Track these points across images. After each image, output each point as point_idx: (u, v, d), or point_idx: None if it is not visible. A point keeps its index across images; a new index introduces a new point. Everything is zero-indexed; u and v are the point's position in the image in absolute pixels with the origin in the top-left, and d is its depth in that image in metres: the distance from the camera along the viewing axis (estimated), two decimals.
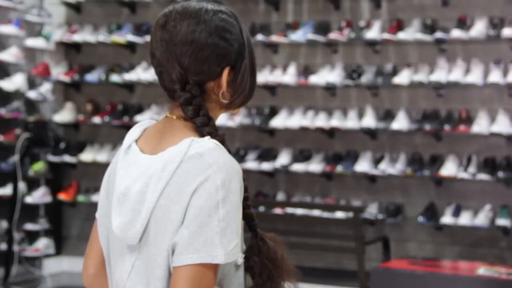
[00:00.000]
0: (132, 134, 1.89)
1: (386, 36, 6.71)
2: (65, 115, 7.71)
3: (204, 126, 1.81)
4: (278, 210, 6.88)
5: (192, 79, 1.81)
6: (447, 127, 6.54)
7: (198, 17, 1.81)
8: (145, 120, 1.95)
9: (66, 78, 7.69)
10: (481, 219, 6.45)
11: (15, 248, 6.96)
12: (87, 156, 7.58)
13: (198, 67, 1.81)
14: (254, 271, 1.84)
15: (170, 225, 1.73)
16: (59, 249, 7.77)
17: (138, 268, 1.80)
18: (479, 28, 6.47)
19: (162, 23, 1.83)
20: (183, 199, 1.72)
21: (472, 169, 6.47)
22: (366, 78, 6.81)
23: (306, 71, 7.04)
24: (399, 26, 6.80)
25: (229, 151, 1.82)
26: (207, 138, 1.79)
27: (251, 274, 1.84)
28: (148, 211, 1.76)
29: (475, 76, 6.46)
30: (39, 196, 7.40)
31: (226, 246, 1.70)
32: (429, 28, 6.65)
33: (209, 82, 1.83)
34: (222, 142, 1.81)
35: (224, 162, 1.73)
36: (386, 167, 6.72)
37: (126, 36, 7.47)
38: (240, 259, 1.77)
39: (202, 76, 1.82)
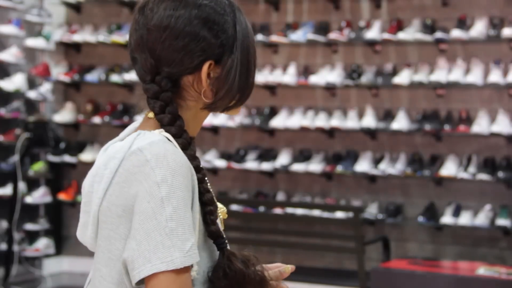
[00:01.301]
0: (120, 134, 1.73)
1: (386, 36, 6.71)
2: (65, 115, 7.71)
3: (169, 126, 1.59)
4: (278, 210, 6.88)
5: (164, 70, 1.60)
6: (447, 127, 6.54)
7: (179, 1, 1.59)
8: (137, 121, 1.75)
9: (66, 78, 7.69)
10: (481, 219, 6.45)
11: (15, 248, 6.96)
12: (87, 156, 7.58)
13: (170, 56, 1.59)
14: None
15: (114, 231, 1.54)
16: (59, 249, 7.77)
17: (93, 278, 1.63)
18: (479, 28, 6.46)
19: (142, 5, 1.63)
20: (125, 202, 1.52)
21: (472, 169, 6.47)
22: (366, 78, 6.81)
23: (306, 71, 7.04)
24: (399, 26, 6.80)
25: (193, 157, 1.59)
26: (158, 130, 1.59)
27: None
28: (95, 213, 1.58)
29: (475, 76, 6.46)
30: (39, 196, 7.40)
31: (181, 247, 1.47)
32: (429, 28, 6.65)
33: (186, 76, 1.61)
34: (185, 146, 1.59)
35: (164, 156, 1.50)
36: (386, 167, 6.72)
37: (126, 36, 7.46)
38: (194, 272, 1.53)
39: (175, 68, 1.59)
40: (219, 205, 1.69)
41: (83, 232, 1.66)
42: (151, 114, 1.65)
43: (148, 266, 1.46)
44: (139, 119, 1.71)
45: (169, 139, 1.57)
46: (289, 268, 1.73)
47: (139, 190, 1.50)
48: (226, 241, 1.64)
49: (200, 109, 1.65)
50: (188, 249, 1.47)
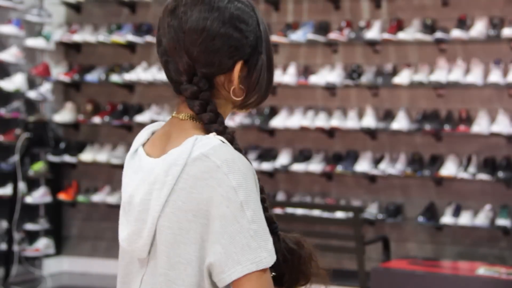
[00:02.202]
0: (139, 139, 1.74)
1: (386, 36, 6.71)
2: (65, 115, 7.71)
3: (211, 123, 1.64)
4: (278, 210, 6.88)
5: (201, 71, 1.65)
6: (447, 127, 6.54)
7: (211, 4, 1.64)
8: (154, 123, 1.79)
9: (66, 78, 7.69)
10: (481, 219, 6.45)
11: (15, 248, 6.96)
12: (87, 156, 7.58)
13: (208, 58, 1.64)
14: (280, 279, 1.70)
15: (183, 236, 1.58)
16: (59, 249, 7.77)
17: (146, 284, 1.65)
18: (479, 28, 6.46)
19: (172, 8, 1.66)
20: (196, 207, 1.57)
21: (472, 169, 6.47)
22: (366, 78, 6.81)
23: (306, 71, 7.04)
24: (399, 26, 6.80)
25: (240, 150, 1.65)
26: (212, 134, 1.62)
27: (274, 282, 1.66)
28: (154, 220, 1.60)
29: (475, 76, 6.46)
30: (39, 196, 7.39)
31: (265, 247, 1.55)
32: (429, 28, 6.65)
33: (218, 76, 1.67)
34: (231, 140, 1.65)
35: (233, 160, 1.57)
36: (386, 167, 6.72)
37: (126, 36, 7.47)
38: None
39: (212, 68, 1.65)
40: None
41: (134, 240, 1.65)
42: (182, 116, 1.68)
43: (238, 268, 1.53)
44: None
45: (223, 142, 1.62)
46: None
47: (213, 195, 1.55)
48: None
49: (232, 107, 1.73)
50: (271, 248, 1.56)
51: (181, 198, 1.58)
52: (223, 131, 1.64)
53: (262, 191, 1.66)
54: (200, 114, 1.65)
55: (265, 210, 1.66)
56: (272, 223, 1.68)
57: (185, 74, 1.66)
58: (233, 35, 1.65)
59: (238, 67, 1.66)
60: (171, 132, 1.69)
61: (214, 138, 1.61)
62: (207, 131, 1.65)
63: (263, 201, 1.65)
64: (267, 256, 1.55)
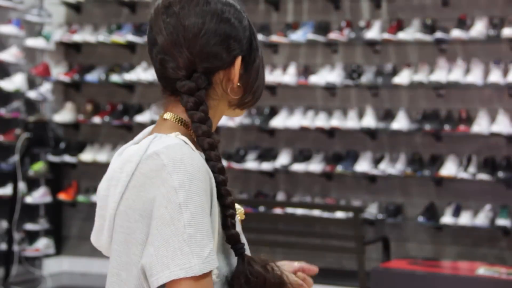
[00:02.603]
0: (134, 140, 1.70)
1: (386, 36, 6.71)
2: (65, 115, 7.71)
3: (200, 123, 1.60)
4: (278, 210, 6.88)
5: (201, 67, 1.62)
6: (447, 127, 6.54)
7: (207, 0, 1.64)
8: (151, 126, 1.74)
9: (66, 78, 7.69)
10: (481, 219, 6.45)
11: (15, 248, 6.96)
12: (87, 156, 7.58)
13: (210, 51, 1.62)
14: None
15: (131, 235, 1.54)
16: (59, 249, 7.77)
17: (111, 282, 1.61)
18: (479, 28, 6.46)
19: (165, 5, 1.64)
20: (142, 207, 1.52)
21: (472, 169, 6.47)
22: (366, 78, 6.81)
23: (306, 71, 7.04)
24: (399, 26, 6.80)
25: (219, 158, 1.60)
26: (174, 134, 1.58)
27: None
28: (111, 217, 1.58)
29: (475, 76, 6.46)
30: (39, 196, 7.40)
31: (199, 253, 1.46)
32: (429, 28, 6.65)
33: (218, 72, 1.64)
34: (212, 147, 1.60)
35: (181, 160, 1.50)
36: (386, 167, 6.72)
37: (126, 36, 7.47)
38: (214, 276, 1.53)
39: (214, 62, 1.63)
40: (236, 205, 1.68)
41: (98, 237, 1.66)
42: (167, 115, 1.65)
43: (166, 272, 1.46)
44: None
45: (185, 142, 1.56)
46: (313, 270, 1.81)
47: (157, 195, 1.50)
48: (246, 245, 1.64)
49: (228, 107, 1.69)
50: (207, 255, 1.47)
51: (132, 196, 1.54)
52: (209, 133, 1.61)
53: (230, 206, 1.59)
54: (191, 111, 1.61)
55: (232, 227, 1.59)
56: (237, 242, 1.59)
57: (184, 70, 1.63)
58: (232, 29, 1.64)
59: (238, 61, 1.65)
60: (153, 132, 1.65)
61: (174, 137, 1.57)
62: (188, 133, 1.62)
63: (231, 216, 1.59)
64: (199, 263, 1.46)
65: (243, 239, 1.67)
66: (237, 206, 1.68)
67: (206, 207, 1.51)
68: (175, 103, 1.65)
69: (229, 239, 1.59)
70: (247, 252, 1.66)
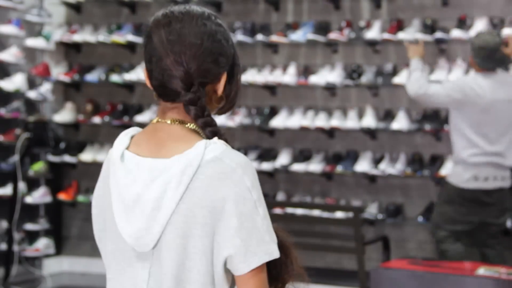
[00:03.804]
0: (121, 143, 1.87)
1: (386, 36, 6.71)
2: (65, 115, 7.71)
3: (208, 127, 1.84)
4: (278, 210, 6.88)
5: (198, 81, 1.84)
6: (447, 127, 6.54)
7: (203, 20, 1.85)
8: (130, 129, 1.93)
9: (66, 78, 7.69)
10: None
11: (15, 248, 6.96)
12: (87, 156, 7.58)
13: (205, 69, 1.84)
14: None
15: (198, 229, 1.77)
16: (59, 249, 7.77)
17: (155, 274, 1.81)
18: (479, 28, 6.46)
19: (166, 23, 1.84)
20: (211, 204, 1.77)
21: None
22: (366, 78, 6.81)
23: (306, 71, 7.04)
24: (399, 26, 6.80)
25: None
26: (216, 139, 1.82)
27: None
28: (167, 216, 1.78)
29: None
30: (39, 196, 7.39)
31: (275, 240, 1.80)
32: (429, 28, 6.65)
33: (208, 85, 1.87)
34: (227, 141, 1.84)
35: (245, 163, 1.80)
36: (386, 167, 6.72)
37: (126, 36, 7.47)
38: None
39: (207, 78, 1.85)
40: None
41: (142, 235, 1.80)
42: (170, 121, 1.86)
43: (256, 258, 1.76)
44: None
45: (226, 145, 1.82)
46: None
47: (230, 194, 1.77)
48: None
49: (213, 113, 1.92)
50: (277, 241, 1.81)
51: (197, 196, 1.77)
52: (220, 133, 1.85)
53: None
54: (197, 119, 1.84)
55: None
56: None
57: (183, 83, 1.83)
58: (222, 48, 1.86)
59: (224, 75, 1.87)
60: (161, 136, 1.85)
61: (219, 143, 1.81)
62: (199, 134, 1.85)
63: None
64: (276, 248, 1.79)
65: None
66: None
67: None
68: (171, 111, 1.87)
69: None
70: None
